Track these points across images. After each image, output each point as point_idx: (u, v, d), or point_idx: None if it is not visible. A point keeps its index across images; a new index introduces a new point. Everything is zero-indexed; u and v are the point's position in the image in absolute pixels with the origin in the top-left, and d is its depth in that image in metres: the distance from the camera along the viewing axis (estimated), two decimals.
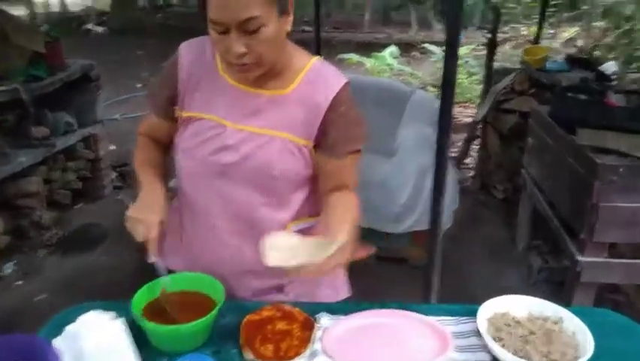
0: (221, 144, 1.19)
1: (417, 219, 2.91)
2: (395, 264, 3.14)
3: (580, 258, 2.19)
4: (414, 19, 12.66)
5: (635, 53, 4.42)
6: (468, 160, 4.67)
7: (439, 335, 1.18)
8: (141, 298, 1.16)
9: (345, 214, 1.17)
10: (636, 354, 1.15)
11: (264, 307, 1.23)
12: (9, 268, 3.05)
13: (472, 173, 4.45)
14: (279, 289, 1.36)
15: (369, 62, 7.24)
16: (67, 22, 11.84)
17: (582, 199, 2.16)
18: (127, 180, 4.24)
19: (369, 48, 9.10)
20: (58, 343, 1.01)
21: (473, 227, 3.63)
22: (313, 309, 1.24)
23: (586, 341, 1.10)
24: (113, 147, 4.50)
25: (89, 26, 11.99)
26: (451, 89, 1.61)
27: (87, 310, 1.16)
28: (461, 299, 2.61)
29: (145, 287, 1.18)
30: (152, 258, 1.14)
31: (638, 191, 2.05)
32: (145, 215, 1.15)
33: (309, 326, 1.18)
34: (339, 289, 1.49)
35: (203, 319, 1.09)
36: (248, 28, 1.04)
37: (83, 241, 3.37)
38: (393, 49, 7.61)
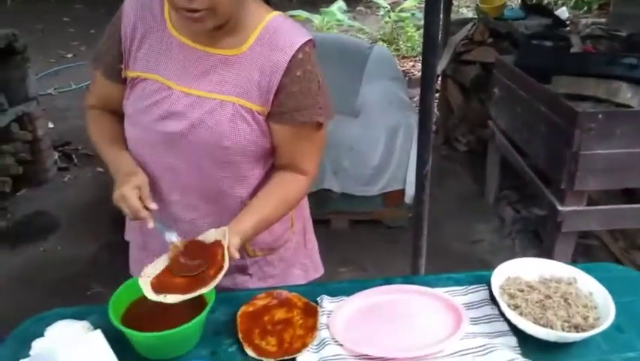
0: (168, 110, 1.07)
1: (389, 180, 2.85)
2: (370, 226, 3.09)
3: (560, 208, 2.18)
4: None
5: None
6: None
7: (451, 308, 1.13)
8: (119, 300, 1.02)
9: (263, 205, 1.11)
10: None
11: (257, 295, 1.14)
12: None
13: (434, 128, 4.42)
14: (242, 270, 1.27)
15: (317, 19, 6.98)
16: None
17: (560, 148, 2.13)
18: (72, 159, 3.93)
19: (313, 4, 8.81)
20: None
21: (441, 182, 3.59)
22: (310, 291, 1.16)
23: (605, 301, 1.06)
24: (51, 125, 4.15)
25: None
26: (434, 40, 1.49)
27: (54, 319, 1.02)
28: (441, 256, 2.64)
29: (121, 289, 1.03)
30: (150, 224, 1.03)
31: (616, 137, 2.04)
32: (120, 192, 1.04)
33: (311, 312, 1.10)
34: (311, 269, 1.43)
35: (195, 320, 0.96)
36: None
37: (31, 232, 3.08)
38: (341, 3, 7.36)
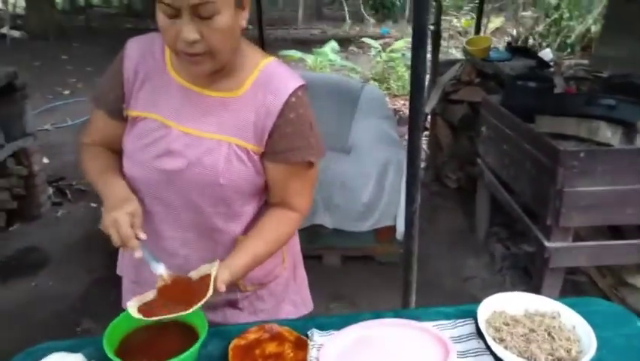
0: (166, 149, 1.11)
1: (380, 216, 2.89)
2: (361, 262, 3.12)
3: (547, 244, 2.23)
4: (347, 13, 12.76)
5: (567, 40, 4.62)
6: None
7: (439, 342, 1.14)
8: (114, 331, 1.03)
9: (256, 242, 1.15)
10: (634, 342, 1.14)
11: (249, 329, 1.15)
12: None
13: (423, 165, 4.50)
14: (233, 304, 1.29)
15: (310, 59, 7.18)
16: None
17: (545, 186, 2.20)
18: (66, 195, 3.95)
19: (306, 44, 9.06)
20: None
21: (431, 219, 3.65)
22: (301, 326, 1.17)
23: (587, 334, 1.09)
24: (46, 161, 4.18)
25: (4, 31, 11.10)
26: (421, 80, 1.56)
27: (47, 352, 1.03)
28: (433, 292, 2.65)
29: (117, 319, 1.05)
30: (137, 253, 1.04)
31: (598, 175, 2.11)
32: (112, 216, 1.03)
33: (302, 346, 1.11)
34: (301, 305, 1.45)
35: (187, 353, 0.97)
36: (201, 13, 0.97)
37: (22, 267, 3.08)
38: (333, 44, 7.60)
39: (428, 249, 3.24)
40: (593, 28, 4.63)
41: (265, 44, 3.89)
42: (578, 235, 2.35)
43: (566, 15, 4.96)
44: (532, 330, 1.12)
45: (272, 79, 1.12)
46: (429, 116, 4.21)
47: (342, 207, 2.87)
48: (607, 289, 2.57)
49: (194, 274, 1.06)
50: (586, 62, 4.02)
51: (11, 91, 3.40)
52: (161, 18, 0.99)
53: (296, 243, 1.43)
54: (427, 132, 4.47)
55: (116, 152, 1.21)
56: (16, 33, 10.95)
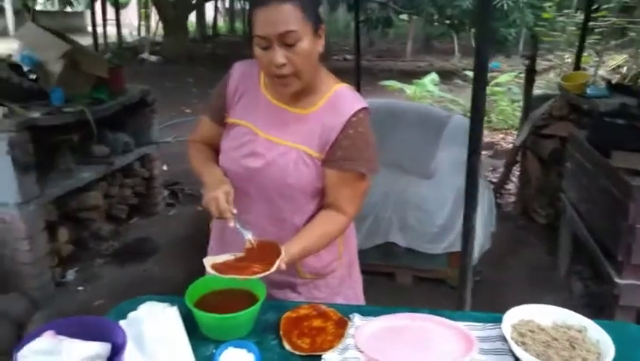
0: (252, 150, 1.36)
1: (454, 240, 2.96)
2: (433, 284, 3.19)
3: (618, 280, 2.19)
4: (456, 46, 12.74)
5: None
6: (509, 185, 4.67)
7: (465, 338, 1.24)
8: (194, 291, 1.31)
9: (310, 235, 1.36)
10: None
11: (301, 306, 1.35)
12: (71, 275, 3.31)
13: (513, 198, 4.45)
14: (293, 287, 1.50)
15: (409, 89, 7.36)
16: (125, 52, 12.65)
17: (618, 221, 2.17)
18: (178, 197, 4.49)
19: (411, 76, 9.25)
20: (122, 325, 1.16)
21: (514, 251, 3.62)
22: (346, 310, 1.35)
23: (608, 349, 1.14)
24: (165, 167, 4.78)
25: (144, 55, 12.75)
26: (480, 109, 1.72)
27: (146, 301, 1.32)
28: None
29: (197, 282, 1.33)
30: (231, 223, 1.28)
31: None
32: (212, 194, 1.30)
33: (342, 325, 1.28)
34: (353, 301, 1.61)
35: (248, 310, 1.21)
36: (287, 41, 1.22)
37: (136, 253, 3.58)
38: (433, 76, 7.72)
39: (507, 280, 3.23)
40: None
41: (369, 74, 4.15)
42: None
43: None
44: (554, 338, 1.20)
45: (339, 101, 1.37)
46: (520, 150, 4.18)
47: (417, 227, 2.99)
48: None
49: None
50: None
51: (143, 105, 4.02)
52: (256, 50, 1.28)
53: (353, 244, 1.63)
54: (517, 165, 4.43)
55: (214, 149, 1.52)
56: (153, 58, 12.48)
